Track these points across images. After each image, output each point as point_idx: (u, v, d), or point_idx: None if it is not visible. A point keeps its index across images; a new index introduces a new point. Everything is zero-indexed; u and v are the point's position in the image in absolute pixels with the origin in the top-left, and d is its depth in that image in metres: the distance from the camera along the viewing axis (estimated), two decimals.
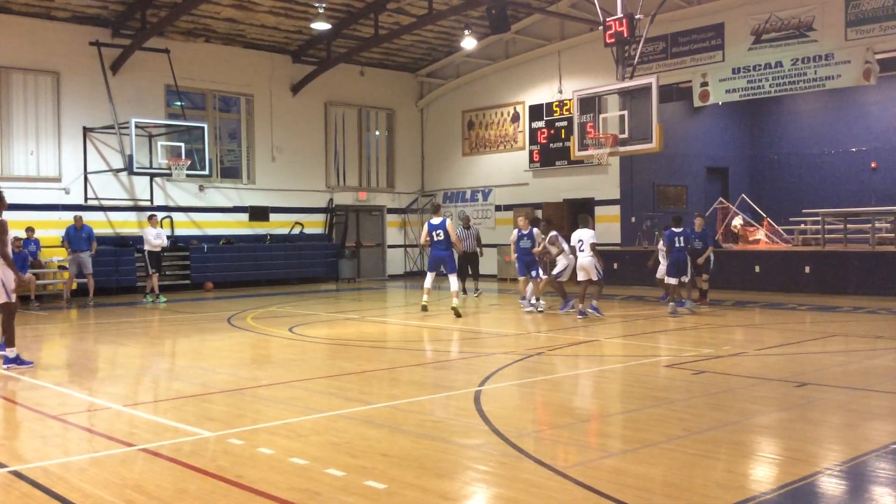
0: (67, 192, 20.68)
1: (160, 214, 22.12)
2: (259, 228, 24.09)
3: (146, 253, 18.55)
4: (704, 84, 20.79)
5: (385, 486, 4.93)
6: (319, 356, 10.94)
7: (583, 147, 17.06)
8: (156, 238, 18.59)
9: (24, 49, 20.08)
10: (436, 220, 15.22)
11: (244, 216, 23.92)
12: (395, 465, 5.42)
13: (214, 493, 4.90)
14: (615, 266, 21.55)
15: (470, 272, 19.67)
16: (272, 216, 24.51)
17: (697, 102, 21.28)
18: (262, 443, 6.01)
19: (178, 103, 22.35)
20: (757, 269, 19.26)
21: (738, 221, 22.74)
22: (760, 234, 22.26)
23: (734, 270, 19.61)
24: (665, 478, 5.09)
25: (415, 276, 27.41)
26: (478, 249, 19.70)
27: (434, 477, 5.19)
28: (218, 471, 5.30)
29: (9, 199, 19.06)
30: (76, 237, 18.12)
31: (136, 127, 19.94)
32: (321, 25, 21.28)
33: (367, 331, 13.12)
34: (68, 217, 20.04)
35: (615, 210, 22.99)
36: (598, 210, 23.41)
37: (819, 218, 20.53)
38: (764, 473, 5.37)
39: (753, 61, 19.97)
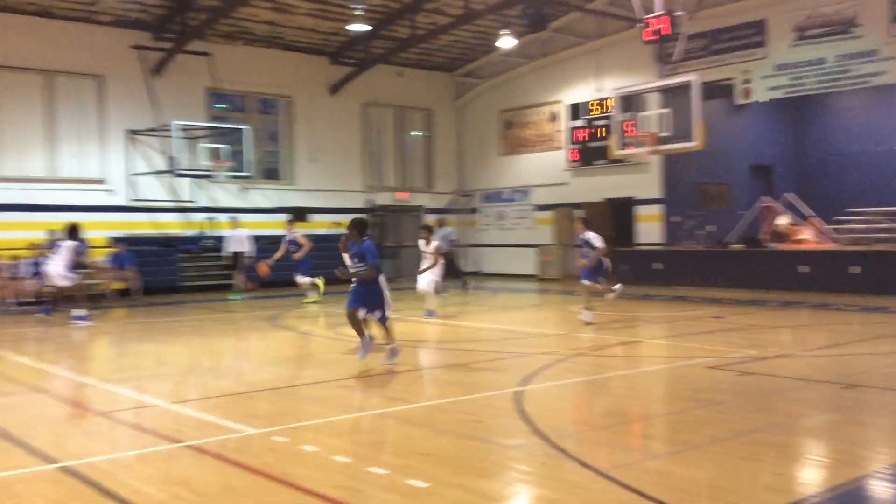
0: (112, 194, 21.05)
1: (202, 216, 22.46)
2: (299, 229, 24.25)
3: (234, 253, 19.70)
4: (747, 81, 20.50)
5: (427, 484, 4.93)
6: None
7: (623, 146, 16.92)
8: (235, 239, 19.70)
9: (68, 53, 20.47)
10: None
11: (285, 217, 24.10)
12: (436, 464, 5.42)
13: (260, 490, 4.95)
14: (658, 266, 21.37)
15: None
16: (312, 216, 24.68)
17: (740, 100, 21.00)
18: (305, 440, 6.05)
19: (220, 105, 22.60)
20: (803, 269, 18.92)
21: (783, 220, 22.36)
22: (806, 233, 21.85)
23: (780, 270, 19.30)
24: (710, 480, 5.03)
25: (454, 277, 27.37)
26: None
27: (475, 476, 5.18)
28: (263, 468, 5.35)
29: (55, 201, 19.88)
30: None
31: (179, 129, 20.26)
32: (358, 27, 21.36)
33: (407, 331, 13.14)
34: (113, 218, 20.46)
35: (657, 209, 22.77)
36: (640, 210, 23.21)
37: (866, 217, 20.11)
38: (811, 476, 5.28)
39: (796, 58, 19.63)
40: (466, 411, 7.10)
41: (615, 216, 23.76)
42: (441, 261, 14.86)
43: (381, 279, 9.21)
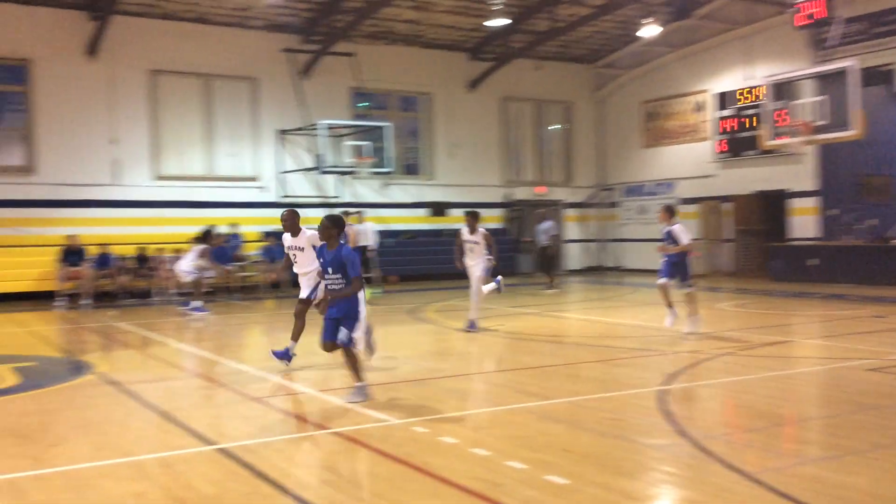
0: (264, 191, 22.11)
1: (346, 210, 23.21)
2: (438, 224, 24.66)
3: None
4: None
5: (567, 481, 4.90)
6: (499, 350, 11.05)
7: (775, 135, 16.16)
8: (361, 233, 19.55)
9: (223, 57, 21.66)
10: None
11: (424, 211, 24.56)
12: (576, 461, 5.37)
13: (401, 478, 5.08)
14: (814, 262, 20.27)
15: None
16: (450, 211, 25.00)
17: None
18: (445, 432, 6.14)
19: (363, 104, 23.30)
20: None
21: None
22: None
23: None
24: (869, 488, 4.73)
25: (594, 272, 27.03)
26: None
27: (617, 475, 5.10)
28: (405, 457, 5.47)
29: (213, 198, 21.08)
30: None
31: (325, 128, 21.04)
32: (498, 22, 21.42)
33: (547, 325, 13.09)
34: (265, 214, 21.48)
35: (812, 202, 21.61)
36: (793, 202, 22.09)
37: None
38: None
39: None
40: (608, 409, 7.00)
41: (766, 209, 22.75)
42: (487, 250, 12.15)
43: (360, 294, 7.27)
